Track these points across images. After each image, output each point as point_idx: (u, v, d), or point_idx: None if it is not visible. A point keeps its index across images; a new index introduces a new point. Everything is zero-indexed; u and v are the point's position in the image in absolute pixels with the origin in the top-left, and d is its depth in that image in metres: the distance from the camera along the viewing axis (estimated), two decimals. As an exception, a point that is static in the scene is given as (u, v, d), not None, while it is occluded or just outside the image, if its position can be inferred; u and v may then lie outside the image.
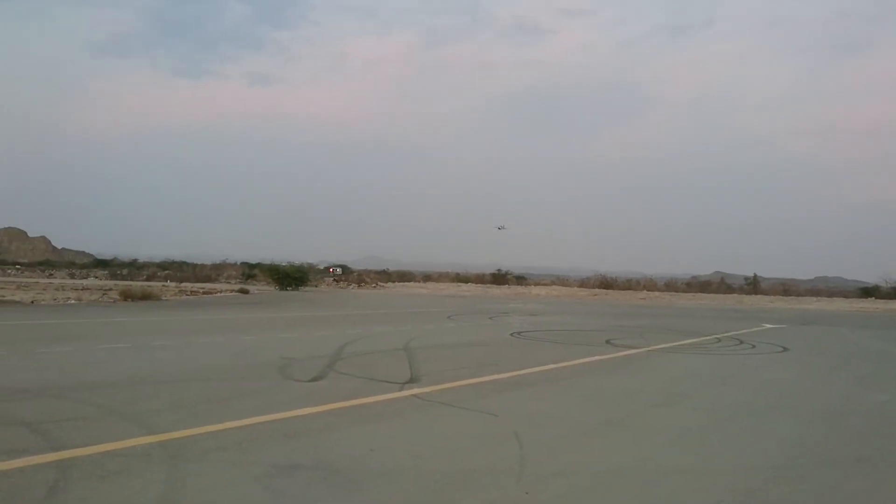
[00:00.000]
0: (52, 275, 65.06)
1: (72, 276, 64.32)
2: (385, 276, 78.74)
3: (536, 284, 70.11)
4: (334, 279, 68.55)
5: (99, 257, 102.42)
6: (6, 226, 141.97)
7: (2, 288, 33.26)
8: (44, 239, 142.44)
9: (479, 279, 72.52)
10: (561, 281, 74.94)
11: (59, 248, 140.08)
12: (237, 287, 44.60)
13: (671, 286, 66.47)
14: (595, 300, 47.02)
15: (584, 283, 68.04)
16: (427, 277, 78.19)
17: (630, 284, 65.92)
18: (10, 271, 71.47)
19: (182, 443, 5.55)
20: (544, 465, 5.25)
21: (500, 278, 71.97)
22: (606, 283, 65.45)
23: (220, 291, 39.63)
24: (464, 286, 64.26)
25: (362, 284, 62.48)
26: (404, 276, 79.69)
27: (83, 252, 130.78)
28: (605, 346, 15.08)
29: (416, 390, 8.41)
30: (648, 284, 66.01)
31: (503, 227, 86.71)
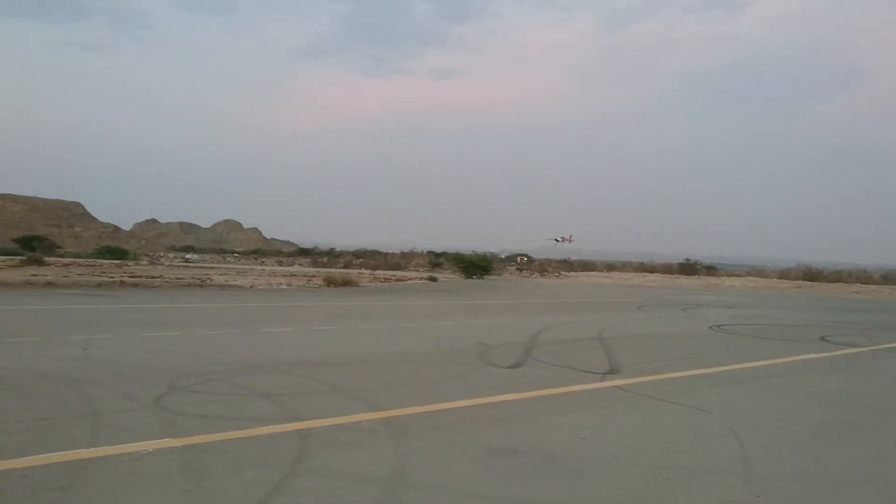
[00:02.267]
0: (263, 262, 71.86)
1: (279, 263, 70.53)
2: (567, 265, 77.85)
3: (729, 275, 65.59)
4: (517, 268, 69.05)
5: (301, 246, 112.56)
6: (225, 218, 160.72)
7: (225, 273, 37.49)
8: (255, 230, 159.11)
9: (666, 269, 69.30)
10: (757, 272, 69.55)
11: (269, 237, 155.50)
12: (425, 275, 46.39)
13: (890, 279, 58.98)
14: (799, 293, 43.06)
15: (784, 275, 62.47)
16: (610, 267, 76.16)
17: (840, 276, 59.27)
18: (228, 259, 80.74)
19: (401, 421, 5.91)
20: (772, 468, 4.93)
21: (688, 269, 68.20)
22: (811, 275, 59.52)
23: (410, 279, 41.48)
24: (649, 276, 61.76)
25: (545, 273, 62.31)
26: (586, 266, 78.18)
27: (288, 241, 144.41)
28: (820, 343, 13.79)
29: (617, 381, 8.27)
30: (862, 276, 58.96)
31: (562, 240, 78.43)
